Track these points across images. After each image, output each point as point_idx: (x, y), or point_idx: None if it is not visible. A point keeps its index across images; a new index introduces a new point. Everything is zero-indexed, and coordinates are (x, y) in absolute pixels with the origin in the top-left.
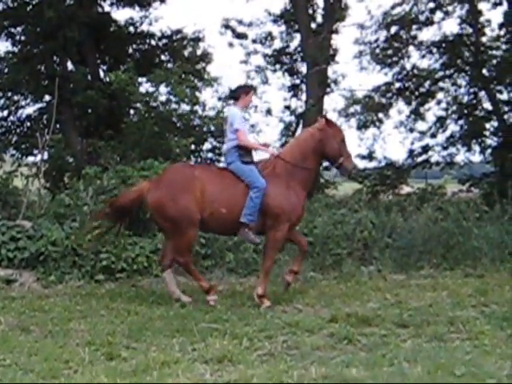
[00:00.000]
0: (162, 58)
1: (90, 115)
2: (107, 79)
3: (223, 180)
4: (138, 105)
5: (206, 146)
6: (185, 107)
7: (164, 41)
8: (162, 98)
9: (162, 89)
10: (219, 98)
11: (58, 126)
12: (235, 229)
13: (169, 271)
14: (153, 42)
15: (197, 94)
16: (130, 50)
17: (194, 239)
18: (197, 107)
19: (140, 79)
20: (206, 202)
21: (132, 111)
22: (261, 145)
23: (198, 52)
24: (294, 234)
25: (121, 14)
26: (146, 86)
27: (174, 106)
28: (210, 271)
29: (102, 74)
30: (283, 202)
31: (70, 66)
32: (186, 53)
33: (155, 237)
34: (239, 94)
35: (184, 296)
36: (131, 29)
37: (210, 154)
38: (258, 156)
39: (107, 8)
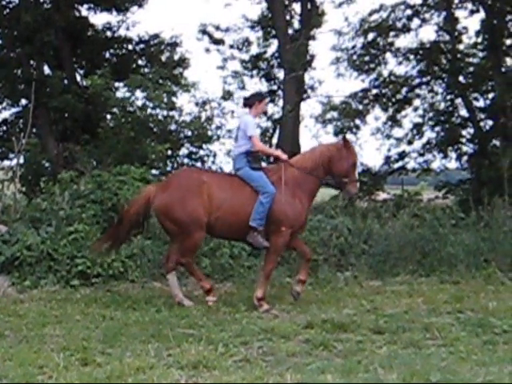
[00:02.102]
0: (139, 62)
1: (66, 119)
2: (84, 84)
3: (231, 185)
4: (115, 110)
5: (183, 151)
6: (161, 112)
7: (141, 45)
8: (139, 103)
9: (139, 94)
10: (196, 104)
11: (34, 130)
12: (242, 233)
13: (173, 273)
14: (130, 47)
15: (173, 99)
16: (107, 55)
17: (200, 242)
18: (173, 112)
19: (117, 84)
20: (213, 207)
21: (109, 116)
22: (274, 152)
23: (175, 57)
24: (297, 242)
25: (98, 19)
26: (122, 91)
27: (150, 111)
28: (186, 277)
29: (78, 78)
30: (288, 209)
31: (46, 70)
32: (163, 58)
33: (131, 242)
34: (253, 101)
35: (186, 300)
36: (108, 33)
37: (186, 160)
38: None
39: (84, 12)
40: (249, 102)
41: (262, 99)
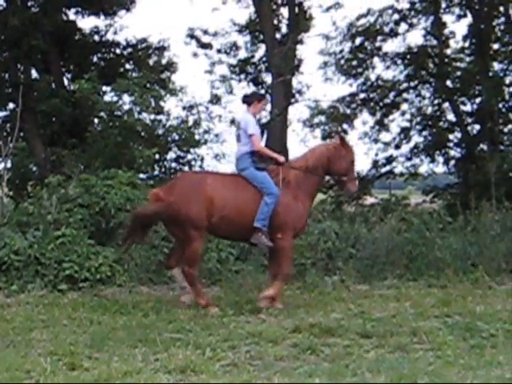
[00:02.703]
0: (127, 66)
1: (53, 123)
2: (71, 88)
3: (235, 185)
4: (102, 114)
5: (170, 155)
6: (149, 116)
7: (129, 50)
8: (126, 107)
9: (126, 98)
10: (184, 108)
11: (21, 134)
12: (246, 234)
13: (176, 269)
14: (117, 51)
15: (161, 103)
16: (95, 59)
17: (199, 249)
18: (161, 116)
19: (104, 88)
20: (217, 207)
21: (96, 120)
22: (272, 153)
23: (163, 61)
24: None
25: (86, 23)
26: (110, 95)
27: (137, 115)
28: (173, 281)
29: (66, 82)
30: (290, 212)
31: (34, 74)
32: (150, 62)
33: (118, 246)
34: (252, 99)
35: (185, 296)
36: (96, 37)
37: (174, 164)
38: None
39: (72, 16)
40: (248, 100)
41: (261, 99)
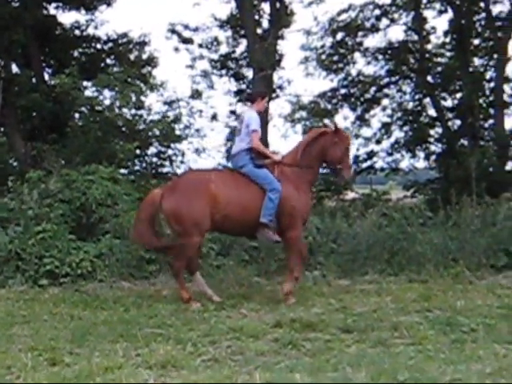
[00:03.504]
0: (108, 61)
1: (34, 118)
2: (52, 82)
3: (237, 182)
4: (83, 109)
5: (151, 150)
6: (130, 111)
7: (110, 44)
8: (107, 102)
9: (107, 93)
10: (164, 103)
11: (1, 129)
12: (251, 229)
13: (197, 273)
14: (98, 46)
15: (142, 98)
16: (76, 54)
17: (196, 247)
18: (142, 111)
19: (85, 83)
20: (221, 204)
21: (77, 115)
22: (268, 152)
23: (144, 56)
24: None
25: (66, 17)
26: (91, 90)
27: (118, 110)
28: (154, 276)
29: (46, 77)
30: (295, 202)
31: (14, 68)
32: (131, 57)
33: (99, 241)
34: (256, 97)
35: (215, 296)
36: (77, 32)
37: (154, 159)
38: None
39: (53, 11)
40: (251, 98)
41: (264, 96)
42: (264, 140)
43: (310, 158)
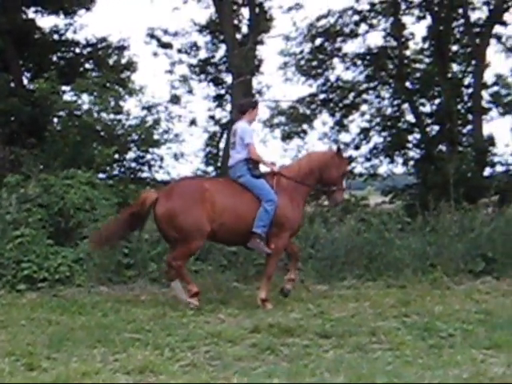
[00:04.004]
0: (87, 66)
1: (12, 123)
2: (31, 87)
3: (233, 191)
4: (62, 113)
5: (130, 155)
6: (108, 116)
7: (88, 49)
8: (86, 107)
9: (86, 97)
10: (143, 108)
11: None
12: (244, 238)
13: (176, 281)
14: (77, 50)
15: (121, 103)
16: (55, 58)
17: (197, 250)
18: (120, 116)
19: (64, 87)
20: (216, 213)
21: (55, 120)
22: (268, 162)
23: (123, 61)
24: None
25: (45, 22)
26: (69, 95)
27: (97, 115)
28: (132, 281)
29: (25, 81)
30: (288, 213)
31: None
32: (110, 61)
33: (78, 246)
34: (247, 108)
35: (193, 300)
36: (56, 36)
37: (133, 164)
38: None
39: (31, 15)
40: (242, 109)
41: (255, 106)
42: None
43: (308, 175)
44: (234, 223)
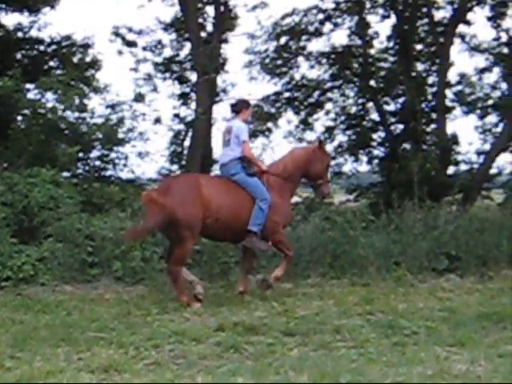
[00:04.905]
0: (51, 64)
1: None
2: None
3: (227, 188)
4: (26, 111)
5: (94, 153)
6: (73, 114)
7: (53, 47)
8: (50, 105)
9: (50, 95)
10: (107, 106)
11: None
12: (238, 236)
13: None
14: (41, 48)
15: (85, 101)
16: (19, 56)
17: (190, 250)
18: (85, 114)
19: (28, 85)
20: (212, 209)
21: (19, 118)
22: (258, 161)
23: (88, 59)
24: None
25: (9, 19)
26: (34, 93)
27: (61, 113)
28: (97, 279)
29: None
30: (280, 210)
31: None
32: (75, 59)
33: (42, 245)
34: (241, 107)
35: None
36: (20, 34)
37: (97, 162)
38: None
39: None
40: (236, 109)
41: (248, 106)
42: (207, 143)
43: (294, 171)
44: (229, 220)
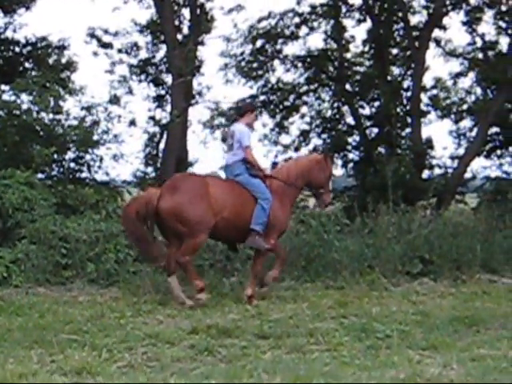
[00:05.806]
0: (26, 65)
1: None
2: None
3: (232, 188)
4: (0, 113)
5: (69, 155)
6: (47, 116)
7: (28, 48)
8: (25, 107)
9: (25, 97)
10: (82, 108)
11: None
12: (243, 235)
13: (174, 277)
14: (17, 49)
15: (60, 103)
16: None
17: (203, 243)
18: (60, 116)
19: (3, 87)
20: (219, 208)
21: None
22: (260, 166)
23: (63, 60)
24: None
25: None
26: (8, 94)
27: (36, 114)
28: (70, 281)
29: None
30: (279, 215)
31: None
32: (50, 61)
33: (15, 246)
34: (245, 111)
35: (188, 300)
36: None
37: (72, 164)
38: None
39: None
40: (240, 112)
41: (253, 109)
42: (183, 146)
43: (297, 178)
44: (234, 219)
